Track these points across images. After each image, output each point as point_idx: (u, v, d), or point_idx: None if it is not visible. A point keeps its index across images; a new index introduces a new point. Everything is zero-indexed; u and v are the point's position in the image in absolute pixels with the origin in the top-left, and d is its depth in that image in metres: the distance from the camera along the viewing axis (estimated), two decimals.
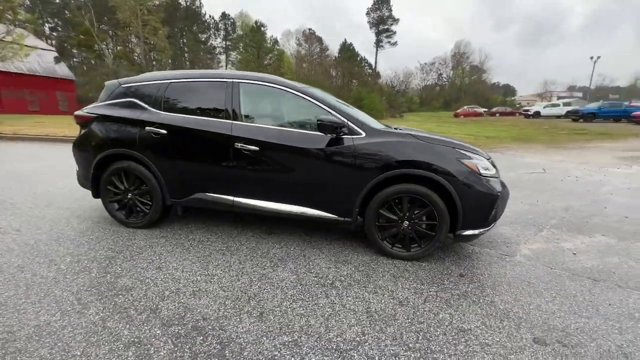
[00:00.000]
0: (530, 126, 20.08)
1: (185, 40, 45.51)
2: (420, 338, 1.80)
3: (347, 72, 38.36)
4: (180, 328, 1.82)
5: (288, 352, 1.66)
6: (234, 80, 2.96)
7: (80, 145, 3.24)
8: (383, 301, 2.14)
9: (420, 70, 55.94)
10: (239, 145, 2.79)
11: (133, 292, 2.14)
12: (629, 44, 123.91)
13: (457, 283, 2.41)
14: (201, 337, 1.75)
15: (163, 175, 2.98)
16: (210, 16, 51.84)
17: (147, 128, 2.98)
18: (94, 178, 3.17)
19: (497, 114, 36.04)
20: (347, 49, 43.34)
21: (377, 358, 1.64)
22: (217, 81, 3.00)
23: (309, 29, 56.56)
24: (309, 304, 2.09)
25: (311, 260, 2.68)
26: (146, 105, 3.05)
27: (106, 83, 3.35)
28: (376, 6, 51.40)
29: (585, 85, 67.11)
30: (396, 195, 2.62)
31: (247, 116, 2.90)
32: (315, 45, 58.27)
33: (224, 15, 50.23)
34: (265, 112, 3.08)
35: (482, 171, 2.61)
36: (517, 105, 51.00)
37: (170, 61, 38.98)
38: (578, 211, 4.27)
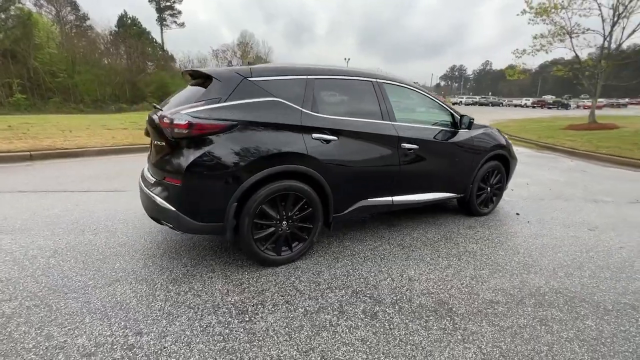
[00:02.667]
0: None
1: None
2: (571, 247, 3.06)
3: (140, 52, 31.83)
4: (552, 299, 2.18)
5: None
6: (378, 80, 2.92)
7: (209, 169, 2.11)
8: (535, 240, 3.22)
9: (214, 57, 54.66)
10: (406, 145, 2.89)
11: (456, 302, 2.13)
12: (353, 47, 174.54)
13: (525, 218, 3.83)
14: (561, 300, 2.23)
15: (332, 188, 2.56)
16: None
17: (314, 135, 2.43)
18: (236, 213, 2.21)
19: None
20: (132, 24, 35.56)
21: (571, 266, 2.77)
22: (364, 80, 2.84)
23: None
24: (521, 253, 2.86)
25: (459, 232, 3.32)
26: (298, 106, 2.43)
27: (213, 73, 2.25)
28: None
29: None
30: (487, 171, 3.68)
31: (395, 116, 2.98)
32: (67, 10, 43.97)
33: None
34: (405, 111, 3.20)
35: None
36: None
37: None
38: None
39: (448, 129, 3.33)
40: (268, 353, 1.64)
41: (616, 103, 43.84)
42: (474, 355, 1.67)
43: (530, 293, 2.26)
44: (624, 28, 11.45)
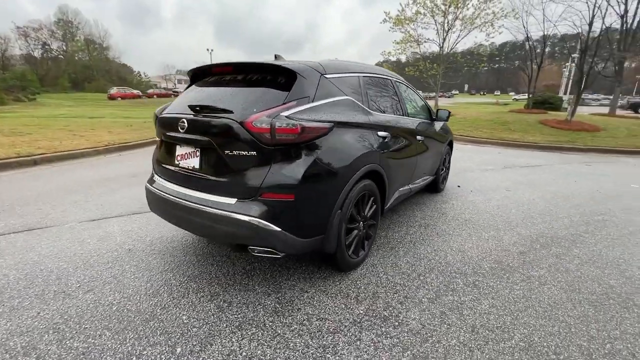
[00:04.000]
0: None
1: None
2: (514, 205, 4.21)
3: None
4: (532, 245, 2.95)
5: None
6: (393, 78, 3.15)
7: (321, 177, 1.87)
8: (489, 203, 4.21)
9: (22, 36, 40.79)
10: (418, 137, 3.25)
11: (504, 259, 2.66)
12: (210, 36, 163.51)
13: (466, 189, 4.89)
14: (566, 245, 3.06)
15: (389, 183, 2.67)
16: None
17: (379, 133, 2.46)
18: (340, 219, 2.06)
19: (155, 96, 36.49)
20: None
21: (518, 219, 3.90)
22: (386, 78, 3.01)
23: None
24: (496, 214, 3.74)
25: (442, 206, 3.99)
26: (361, 104, 2.40)
27: (297, 70, 1.94)
28: None
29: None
30: (445, 154, 4.50)
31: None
32: None
33: None
34: (409, 106, 3.46)
35: None
36: (154, 87, 53.36)
37: None
38: None
39: (430, 121, 3.89)
40: (449, 343, 1.71)
41: (430, 96, 58.23)
42: (559, 291, 2.22)
43: (532, 240, 3.05)
44: (449, 40, 15.37)
